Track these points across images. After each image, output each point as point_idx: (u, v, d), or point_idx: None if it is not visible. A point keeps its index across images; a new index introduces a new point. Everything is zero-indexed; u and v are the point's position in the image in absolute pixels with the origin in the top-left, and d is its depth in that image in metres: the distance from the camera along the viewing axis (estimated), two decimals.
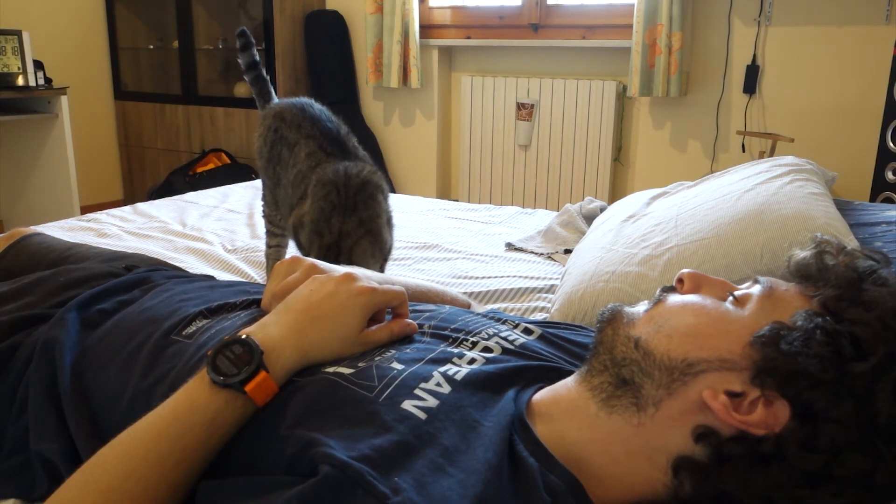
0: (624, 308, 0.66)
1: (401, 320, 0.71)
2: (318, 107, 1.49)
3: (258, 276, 1.57)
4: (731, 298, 0.62)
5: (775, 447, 0.54)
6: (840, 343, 0.54)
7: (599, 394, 0.61)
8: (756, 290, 0.62)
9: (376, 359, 0.65)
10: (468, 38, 3.59)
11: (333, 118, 1.48)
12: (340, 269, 0.75)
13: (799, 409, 0.54)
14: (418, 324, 0.74)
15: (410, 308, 0.76)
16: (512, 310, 1.33)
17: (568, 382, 0.66)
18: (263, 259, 1.65)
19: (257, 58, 1.62)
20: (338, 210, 1.32)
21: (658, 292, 0.67)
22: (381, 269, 1.40)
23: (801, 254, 0.63)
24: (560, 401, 0.64)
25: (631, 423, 0.59)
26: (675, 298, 0.64)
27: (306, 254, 1.33)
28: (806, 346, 0.54)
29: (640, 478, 0.58)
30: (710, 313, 0.61)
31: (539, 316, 1.29)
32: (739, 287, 0.65)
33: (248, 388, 0.59)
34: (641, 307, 0.66)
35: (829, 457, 0.52)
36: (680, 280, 0.66)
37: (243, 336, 0.62)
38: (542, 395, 0.66)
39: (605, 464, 0.59)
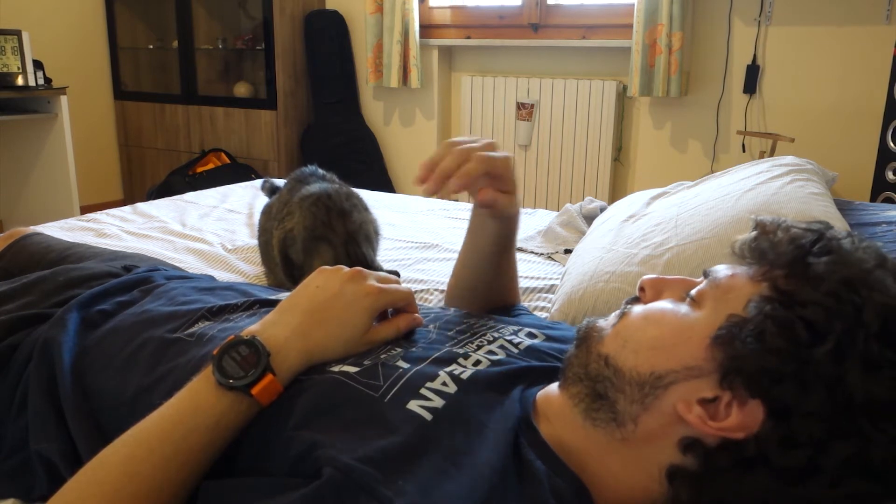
0: (597, 323, 0.65)
1: (408, 315, 0.71)
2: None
3: (258, 275, 1.57)
4: (688, 300, 0.61)
5: (757, 449, 0.52)
6: (794, 331, 0.52)
7: (579, 403, 0.60)
8: (706, 284, 0.61)
9: (382, 356, 0.65)
10: (468, 38, 3.59)
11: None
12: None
13: (771, 406, 0.52)
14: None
15: None
16: None
17: (556, 386, 0.65)
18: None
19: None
20: (335, 212, 1.31)
21: (623, 304, 0.65)
22: None
23: (743, 237, 0.61)
24: (552, 402, 0.64)
25: (615, 438, 0.58)
26: (637, 310, 0.63)
27: (300, 274, 1.29)
28: (760, 340, 0.53)
29: (638, 486, 0.58)
30: (671, 322, 0.59)
31: (539, 316, 1.29)
32: (697, 281, 0.63)
33: (255, 390, 0.59)
34: (611, 319, 0.65)
35: (811, 451, 0.51)
36: (642, 289, 0.65)
37: (249, 336, 0.62)
38: (541, 394, 0.66)
39: (603, 474, 0.59)
